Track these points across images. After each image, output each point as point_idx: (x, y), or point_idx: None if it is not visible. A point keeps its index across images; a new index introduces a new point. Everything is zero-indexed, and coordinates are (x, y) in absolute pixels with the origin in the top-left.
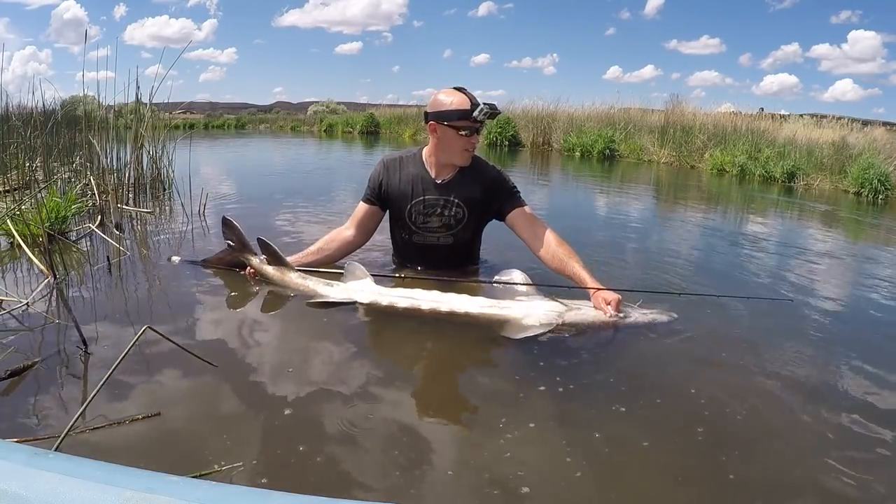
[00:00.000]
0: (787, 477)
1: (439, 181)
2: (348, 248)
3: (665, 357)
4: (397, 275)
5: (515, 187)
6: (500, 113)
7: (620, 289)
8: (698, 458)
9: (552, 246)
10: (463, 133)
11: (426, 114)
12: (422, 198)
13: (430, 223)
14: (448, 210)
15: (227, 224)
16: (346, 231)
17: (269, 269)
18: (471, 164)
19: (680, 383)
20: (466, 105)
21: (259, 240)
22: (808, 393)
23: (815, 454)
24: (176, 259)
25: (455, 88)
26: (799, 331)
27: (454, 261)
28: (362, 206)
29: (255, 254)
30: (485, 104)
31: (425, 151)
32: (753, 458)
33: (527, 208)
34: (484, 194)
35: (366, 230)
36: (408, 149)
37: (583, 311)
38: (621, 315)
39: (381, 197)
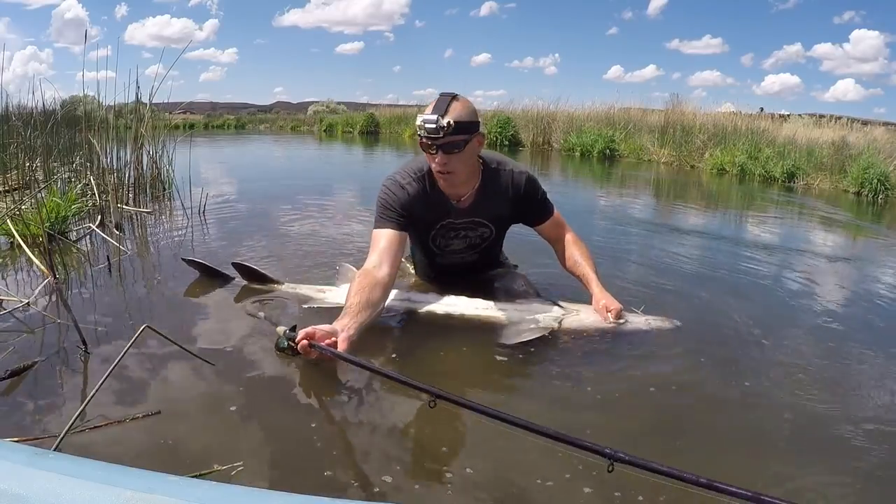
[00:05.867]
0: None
1: (459, 203)
2: (390, 291)
3: (663, 365)
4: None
5: (545, 194)
6: (441, 135)
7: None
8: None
9: (569, 246)
10: (424, 150)
11: None
12: (445, 222)
13: (453, 245)
14: (473, 231)
15: (190, 264)
16: (380, 271)
17: (260, 288)
18: (494, 172)
19: (677, 393)
20: (423, 114)
21: (235, 264)
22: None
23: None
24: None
25: (442, 93)
26: (799, 351)
27: (478, 271)
28: (391, 234)
29: (232, 279)
30: (428, 119)
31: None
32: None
33: (555, 214)
34: (514, 209)
35: (398, 261)
36: (413, 164)
37: (581, 316)
38: (621, 322)
39: (408, 220)
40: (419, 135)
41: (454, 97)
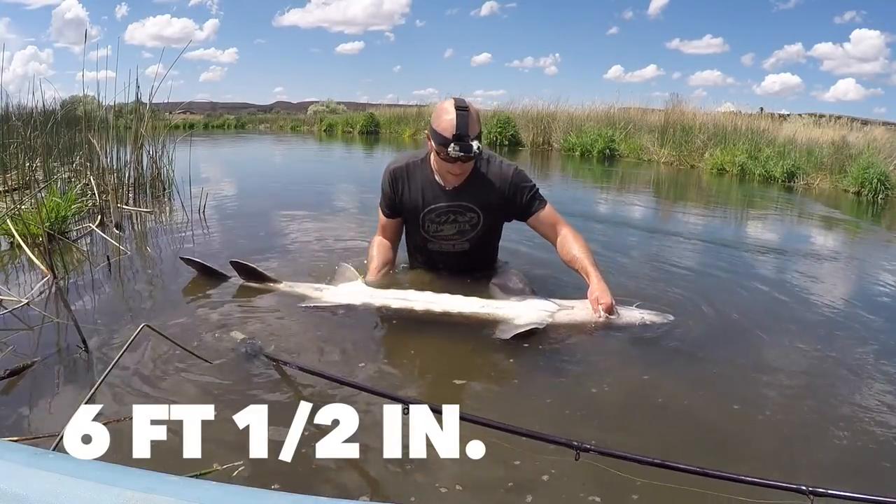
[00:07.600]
0: None
1: (449, 188)
2: (396, 252)
3: (654, 358)
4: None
5: (534, 187)
6: (473, 156)
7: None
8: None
9: (567, 239)
10: (442, 157)
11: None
12: (433, 206)
13: (444, 231)
14: (461, 216)
15: (188, 263)
16: (388, 242)
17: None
18: (485, 162)
19: (668, 387)
20: (448, 133)
21: (233, 263)
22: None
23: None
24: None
25: (457, 106)
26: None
27: (472, 265)
28: (387, 221)
29: (230, 277)
30: (458, 143)
31: (433, 156)
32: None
33: (548, 207)
34: (501, 198)
35: (399, 237)
36: (413, 152)
37: (574, 311)
38: (612, 316)
39: (396, 208)
40: (450, 155)
41: (468, 111)
